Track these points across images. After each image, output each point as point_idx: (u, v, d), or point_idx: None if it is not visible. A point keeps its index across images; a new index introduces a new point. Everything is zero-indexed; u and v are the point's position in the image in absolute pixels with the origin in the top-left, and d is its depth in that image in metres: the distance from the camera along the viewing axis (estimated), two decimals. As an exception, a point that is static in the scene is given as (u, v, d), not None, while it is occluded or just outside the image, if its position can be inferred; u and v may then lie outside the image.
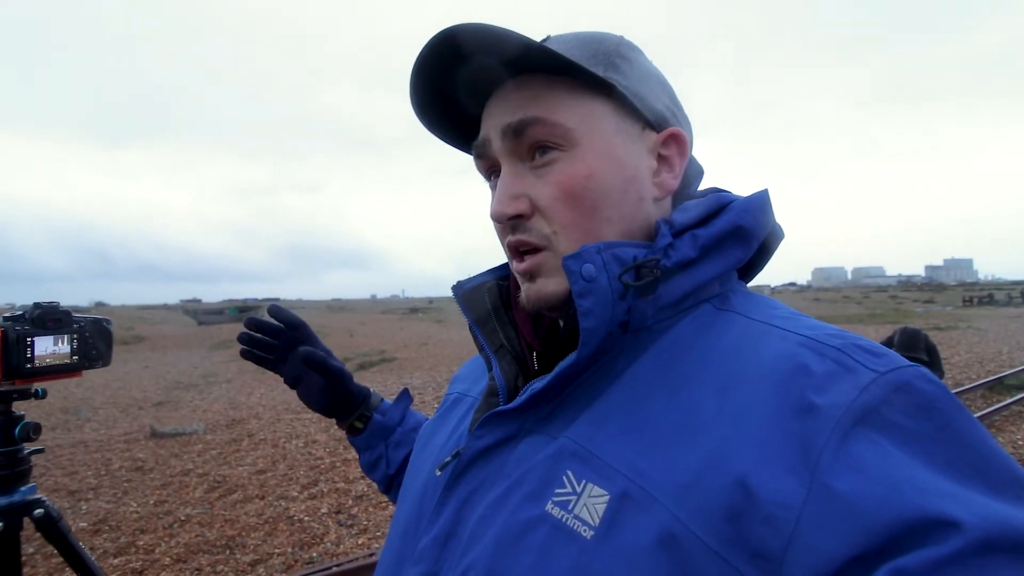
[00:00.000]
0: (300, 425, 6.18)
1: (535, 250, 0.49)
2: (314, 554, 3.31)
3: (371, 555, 3.11)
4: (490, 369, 0.54)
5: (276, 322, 0.79)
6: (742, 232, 0.48)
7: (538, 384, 0.45)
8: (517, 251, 0.50)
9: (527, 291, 0.50)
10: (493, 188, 0.52)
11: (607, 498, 0.39)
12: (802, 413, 0.36)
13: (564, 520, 0.39)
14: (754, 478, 0.35)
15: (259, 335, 0.79)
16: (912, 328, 5.27)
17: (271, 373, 0.81)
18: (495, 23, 0.44)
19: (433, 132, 0.56)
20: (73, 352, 0.91)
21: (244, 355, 0.79)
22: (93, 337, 0.93)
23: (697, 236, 0.47)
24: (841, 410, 0.36)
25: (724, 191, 0.54)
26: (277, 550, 3.34)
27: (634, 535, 0.37)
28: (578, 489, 0.40)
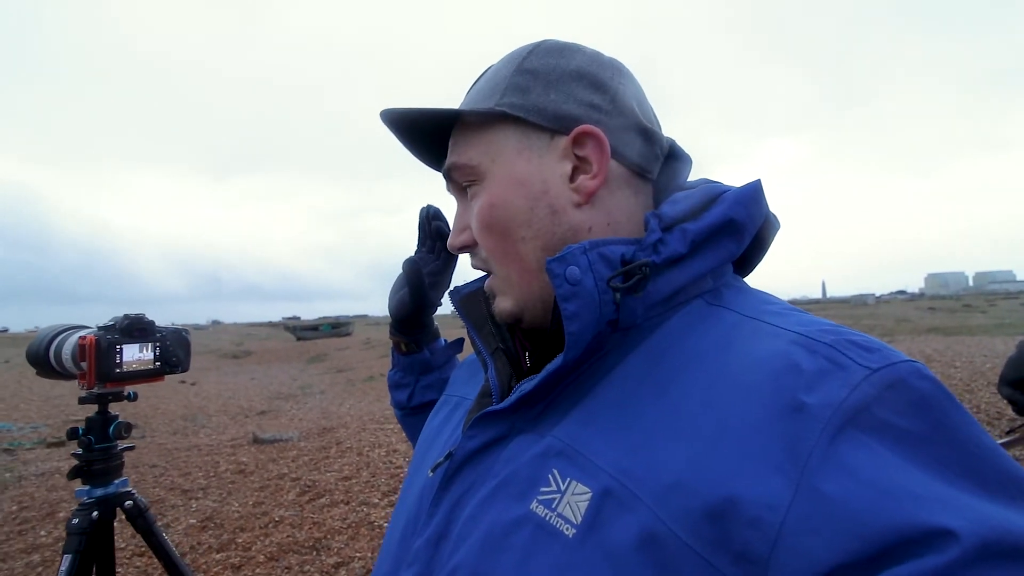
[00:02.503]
0: (383, 435, 6.44)
1: (488, 271, 0.54)
2: (392, 560, 3.42)
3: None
4: (486, 371, 0.55)
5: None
6: (734, 225, 0.47)
7: (527, 385, 0.46)
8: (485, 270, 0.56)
9: (494, 306, 0.55)
10: None
11: (589, 495, 0.39)
12: (791, 413, 0.35)
13: (547, 518, 0.39)
14: (740, 479, 0.35)
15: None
16: None
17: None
18: (408, 105, 0.54)
19: (432, 167, 0.61)
20: (156, 359, 1.02)
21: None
22: (173, 345, 1.04)
23: (687, 230, 0.46)
24: (831, 410, 0.35)
25: (715, 182, 0.52)
26: (358, 554, 3.49)
27: (616, 534, 0.37)
28: (562, 487, 0.40)
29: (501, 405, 0.47)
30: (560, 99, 0.50)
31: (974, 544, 0.29)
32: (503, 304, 0.53)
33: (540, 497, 0.41)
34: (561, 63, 0.51)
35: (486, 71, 0.55)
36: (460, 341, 0.86)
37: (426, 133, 0.55)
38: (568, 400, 0.46)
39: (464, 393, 0.64)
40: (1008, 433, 3.61)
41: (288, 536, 3.78)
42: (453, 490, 0.47)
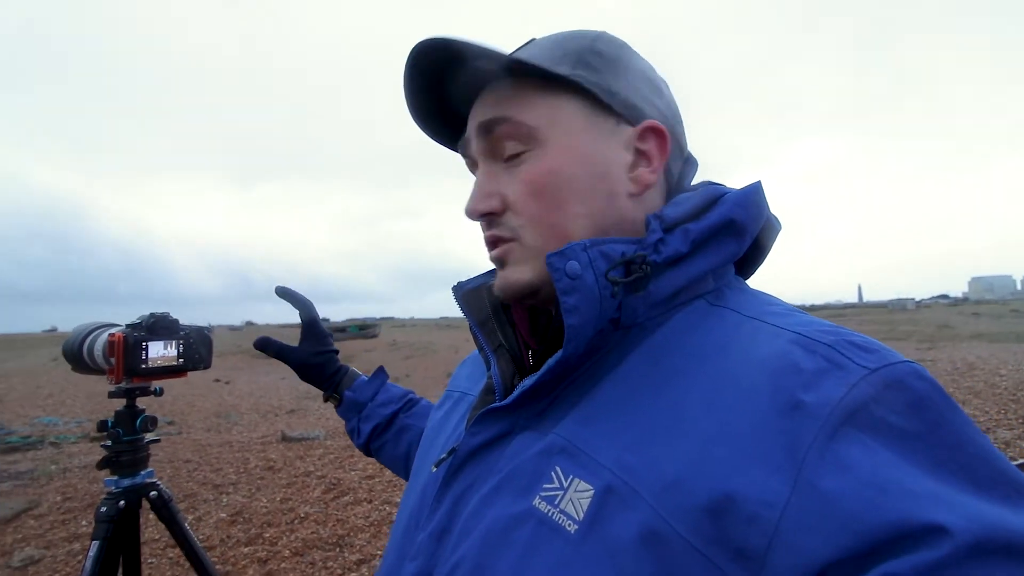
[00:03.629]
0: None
1: (505, 240, 0.51)
2: (413, 558, 3.45)
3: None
4: (489, 368, 0.55)
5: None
6: (735, 226, 0.47)
7: (528, 381, 0.46)
8: (491, 243, 0.52)
9: (498, 279, 0.52)
10: None
11: (591, 492, 0.39)
12: (789, 411, 0.36)
13: (550, 514, 0.40)
14: (739, 476, 0.35)
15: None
16: None
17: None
18: (463, 36, 0.46)
19: (433, 138, 0.59)
20: (179, 356, 1.06)
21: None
22: (196, 343, 1.09)
23: (688, 230, 0.46)
24: (829, 408, 0.35)
25: (717, 184, 0.53)
26: (379, 552, 3.54)
27: (617, 530, 0.37)
28: (565, 484, 0.41)
29: (504, 402, 0.48)
30: (629, 89, 0.50)
31: (966, 541, 0.30)
32: (518, 274, 0.50)
33: (543, 494, 0.42)
34: (627, 57, 0.52)
35: (531, 41, 0.52)
36: (380, 370, 0.92)
37: (459, 81, 0.52)
38: (570, 398, 0.46)
39: (465, 388, 0.65)
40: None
41: (312, 532, 3.86)
42: (456, 485, 0.48)
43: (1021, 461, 3.07)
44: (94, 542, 0.99)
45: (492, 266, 0.61)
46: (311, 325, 0.88)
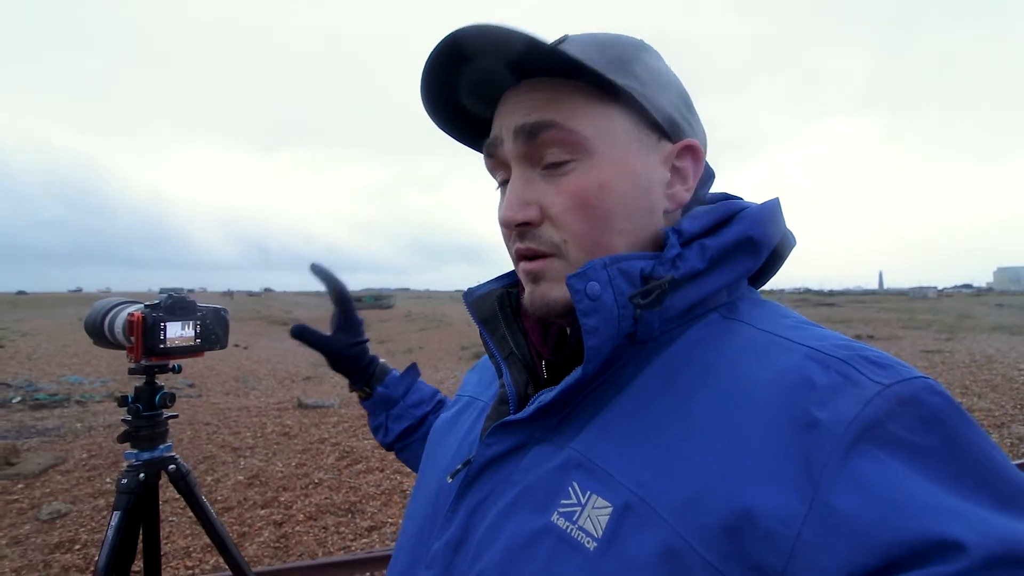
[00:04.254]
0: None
1: (543, 255, 0.48)
2: (421, 528, 3.55)
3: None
4: (500, 376, 0.55)
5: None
6: (752, 243, 0.47)
7: (545, 397, 0.46)
8: (525, 256, 0.50)
9: (531, 294, 0.50)
10: (501, 190, 0.53)
11: (610, 510, 0.40)
12: (804, 428, 0.36)
13: (568, 531, 0.40)
14: (755, 494, 0.35)
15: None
16: None
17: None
18: (508, 24, 0.43)
19: (446, 131, 0.56)
20: (196, 336, 1.08)
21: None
22: (213, 323, 1.11)
23: (706, 246, 0.46)
24: (844, 425, 0.35)
25: (735, 198, 0.52)
26: (390, 519, 3.64)
27: (636, 548, 0.38)
28: (583, 500, 0.41)
29: (520, 415, 0.47)
30: (671, 106, 0.50)
31: (983, 556, 0.30)
32: (552, 292, 0.48)
33: (561, 509, 0.41)
34: (666, 71, 0.51)
35: (572, 37, 0.49)
36: (413, 367, 0.89)
37: (479, 75, 0.48)
38: (586, 412, 0.46)
39: (475, 394, 0.65)
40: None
41: (326, 498, 3.99)
42: (471, 496, 0.48)
43: (1021, 460, 3.03)
44: (115, 512, 1.03)
45: (499, 272, 0.61)
46: (347, 313, 0.85)
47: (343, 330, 0.86)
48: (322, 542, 3.37)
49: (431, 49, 0.46)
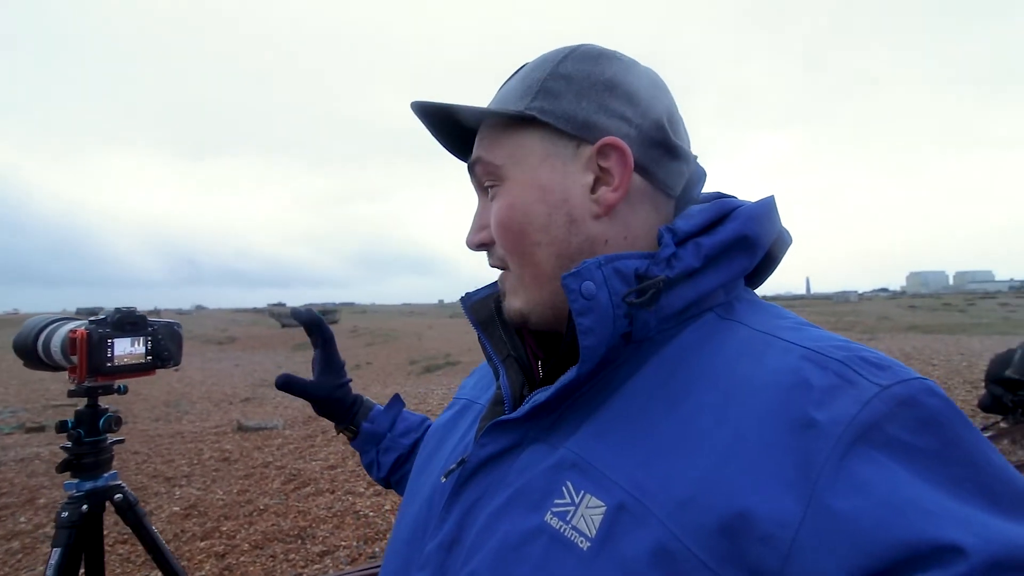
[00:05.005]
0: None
1: (505, 268, 0.54)
2: (377, 548, 3.43)
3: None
4: (497, 378, 0.55)
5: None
6: (747, 241, 0.47)
7: (540, 396, 0.46)
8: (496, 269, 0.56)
9: (504, 306, 0.56)
10: None
11: (604, 509, 0.39)
12: (802, 429, 0.36)
13: (562, 531, 0.40)
14: (752, 495, 0.35)
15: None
16: None
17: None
18: (442, 98, 0.51)
19: (455, 155, 0.61)
20: (147, 353, 1.01)
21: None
22: (165, 339, 1.03)
23: (701, 245, 0.46)
24: (842, 426, 0.35)
25: (729, 196, 0.53)
26: (343, 543, 3.50)
27: (629, 548, 0.37)
28: (576, 500, 0.41)
29: (514, 414, 0.47)
30: (590, 108, 0.50)
31: (982, 560, 0.29)
32: (513, 303, 0.54)
33: (554, 509, 0.41)
34: (595, 71, 0.51)
35: (520, 69, 0.55)
36: (396, 398, 0.88)
37: (456, 125, 0.56)
38: (581, 411, 0.46)
39: (472, 397, 0.65)
40: (983, 430, 3.71)
41: (273, 524, 3.78)
42: (465, 496, 0.48)
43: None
44: (55, 550, 0.94)
45: (474, 286, 0.64)
46: (329, 356, 0.84)
47: (326, 373, 0.83)
48: (270, 571, 3.19)
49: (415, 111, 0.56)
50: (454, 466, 0.50)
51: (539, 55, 0.54)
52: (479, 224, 0.55)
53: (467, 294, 0.60)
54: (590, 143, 0.50)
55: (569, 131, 0.49)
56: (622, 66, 0.52)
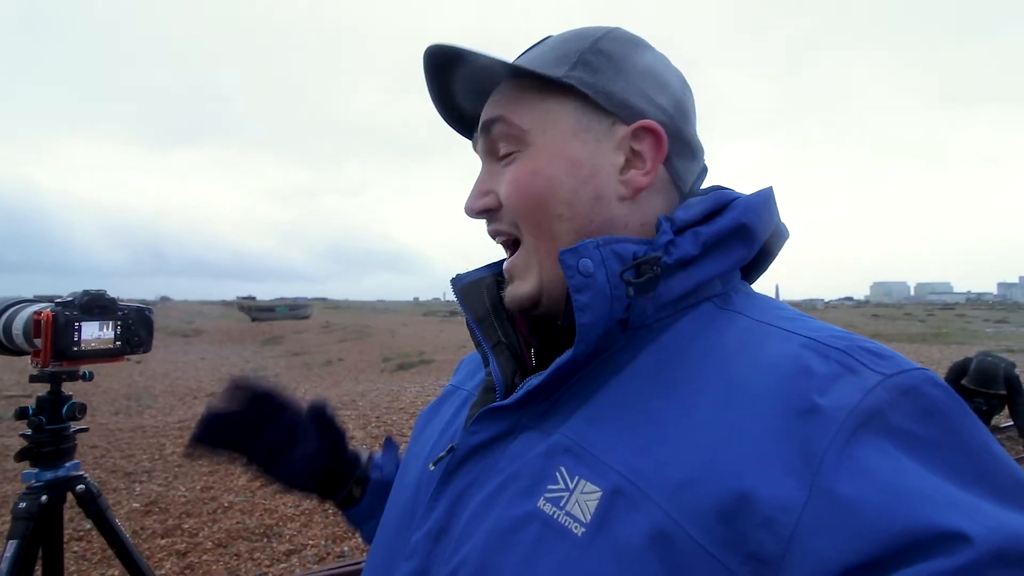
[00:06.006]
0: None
1: (515, 243, 0.52)
2: (345, 548, 3.38)
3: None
4: (487, 365, 0.54)
5: (240, 401, 0.64)
6: (745, 230, 0.48)
7: (534, 380, 0.45)
8: (505, 245, 0.53)
9: (507, 292, 0.53)
10: None
11: (599, 495, 0.39)
12: (804, 414, 0.36)
13: (555, 516, 0.39)
14: (752, 479, 0.35)
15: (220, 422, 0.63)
16: (992, 358, 4.61)
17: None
18: (464, 42, 0.49)
19: (456, 128, 0.60)
20: (117, 338, 0.97)
21: (192, 448, 0.63)
22: (136, 324, 0.99)
23: (699, 233, 0.46)
24: (845, 412, 0.35)
25: (727, 188, 0.53)
26: (311, 542, 3.43)
27: (625, 532, 0.37)
28: (571, 485, 0.40)
29: (507, 401, 0.47)
30: (629, 89, 0.49)
31: (988, 549, 0.29)
32: (521, 288, 0.51)
33: (547, 495, 0.41)
34: (635, 54, 0.51)
35: (545, 40, 0.53)
36: (389, 440, 0.77)
37: (465, 81, 0.53)
38: (575, 398, 0.46)
39: (457, 383, 0.63)
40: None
41: (238, 522, 3.68)
42: (454, 484, 0.47)
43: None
44: (11, 542, 0.89)
45: (489, 260, 0.60)
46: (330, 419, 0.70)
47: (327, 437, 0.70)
48: (233, 570, 3.11)
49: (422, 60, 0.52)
50: (443, 453, 0.49)
51: (569, 30, 0.53)
52: (482, 188, 0.52)
53: (458, 275, 0.58)
54: (625, 123, 0.49)
55: (607, 107, 0.49)
56: (657, 56, 0.53)
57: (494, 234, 0.53)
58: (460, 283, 0.58)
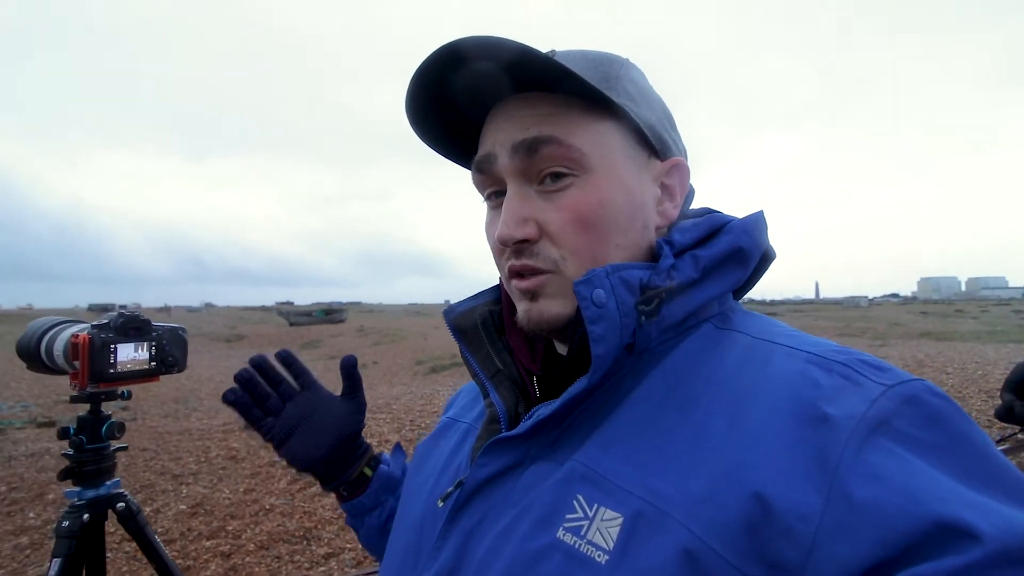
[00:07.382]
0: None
1: (540, 272, 0.48)
2: (383, 552, 3.42)
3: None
4: (486, 395, 0.52)
5: (281, 369, 0.71)
6: (742, 254, 0.48)
7: (545, 409, 0.44)
8: (519, 274, 0.48)
9: (528, 311, 0.49)
10: (493, 206, 0.51)
11: (620, 520, 0.38)
12: (815, 423, 0.37)
13: (577, 546, 0.38)
14: (770, 489, 0.35)
15: (259, 378, 0.70)
16: None
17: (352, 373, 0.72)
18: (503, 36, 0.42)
19: (428, 143, 0.54)
20: (151, 359, 0.98)
21: (228, 400, 0.70)
22: (170, 344, 1.01)
23: (698, 257, 0.47)
24: (855, 420, 0.36)
25: (717, 211, 0.54)
26: (349, 545, 3.48)
27: (651, 556, 0.37)
28: (590, 513, 0.39)
29: (517, 431, 0.45)
30: (658, 124, 0.51)
31: (997, 547, 0.30)
32: (556, 307, 0.47)
33: (566, 525, 0.40)
34: (651, 90, 0.53)
35: (561, 52, 0.48)
36: (398, 446, 0.78)
37: (470, 84, 0.47)
38: (584, 426, 0.45)
39: (455, 415, 0.62)
40: (999, 442, 3.62)
41: (279, 525, 3.77)
42: (464, 521, 0.46)
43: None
44: (55, 560, 0.92)
45: (479, 288, 0.60)
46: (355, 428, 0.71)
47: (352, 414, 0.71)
48: (275, 572, 3.18)
49: (424, 58, 0.45)
50: (451, 488, 0.48)
51: (580, 50, 0.49)
52: (521, 215, 0.46)
53: (450, 307, 0.57)
54: (659, 157, 0.51)
55: (649, 138, 0.50)
56: (659, 93, 0.54)
57: (522, 269, 0.47)
58: (452, 314, 0.57)
